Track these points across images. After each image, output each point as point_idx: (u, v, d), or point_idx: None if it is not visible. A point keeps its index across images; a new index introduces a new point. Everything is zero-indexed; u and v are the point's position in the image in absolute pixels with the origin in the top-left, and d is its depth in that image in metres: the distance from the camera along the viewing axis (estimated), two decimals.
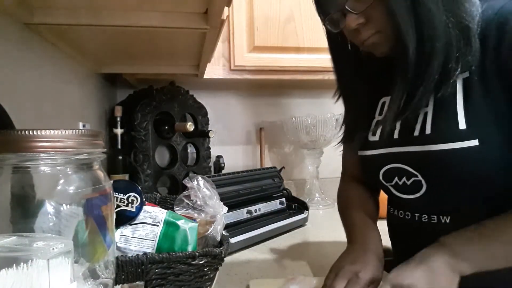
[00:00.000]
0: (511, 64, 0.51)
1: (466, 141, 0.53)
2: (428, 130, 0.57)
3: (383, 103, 0.68)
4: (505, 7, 0.53)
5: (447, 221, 0.60)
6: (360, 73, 0.69)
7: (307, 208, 1.14)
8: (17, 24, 0.65)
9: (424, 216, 0.62)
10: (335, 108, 1.59)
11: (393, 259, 0.73)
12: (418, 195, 0.61)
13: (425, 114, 0.58)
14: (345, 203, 0.78)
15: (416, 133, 0.59)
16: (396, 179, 0.63)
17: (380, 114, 0.68)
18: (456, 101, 0.55)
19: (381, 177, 0.66)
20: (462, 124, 0.54)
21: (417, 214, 0.63)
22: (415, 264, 0.53)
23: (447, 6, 0.53)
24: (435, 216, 0.61)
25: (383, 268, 0.61)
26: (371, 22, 0.57)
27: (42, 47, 0.76)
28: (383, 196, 0.76)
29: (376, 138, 0.67)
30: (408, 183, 0.61)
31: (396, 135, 0.63)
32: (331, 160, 1.61)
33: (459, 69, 0.54)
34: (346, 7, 0.56)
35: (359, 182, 0.79)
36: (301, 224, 1.12)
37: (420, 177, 0.59)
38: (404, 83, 0.57)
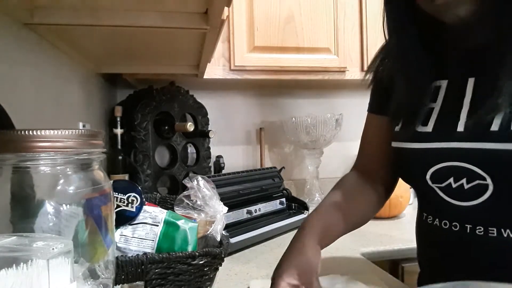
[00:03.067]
0: None
1: None
2: None
3: (437, 88, 0.57)
4: None
5: (510, 235, 0.50)
6: (413, 45, 0.57)
7: (307, 208, 1.14)
8: (17, 24, 0.65)
9: (479, 228, 0.52)
10: (335, 108, 1.60)
11: (421, 272, 0.66)
12: (476, 202, 0.51)
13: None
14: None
15: (495, 127, 0.48)
16: (450, 180, 0.53)
17: (433, 100, 0.56)
18: None
19: (428, 177, 0.55)
20: None
21: (468, 225, 0.53)
22: None
23: None
24: (495, 229, 0.51)
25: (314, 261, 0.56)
26: None
27: (42, 47, 0.76)
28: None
29: (429, 129, 0.55)
30: (467, 186, 0.51)
31: (460, 128, 0.51)
32: (331, 160, 1.62)
33: None
34: None
35: (369, 178, 0.69)
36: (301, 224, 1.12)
37: (488, 181, 0.49)
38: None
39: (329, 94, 1.64)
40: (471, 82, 0.52)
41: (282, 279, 0.54)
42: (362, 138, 0.74)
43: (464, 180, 0.51)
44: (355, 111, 1.65)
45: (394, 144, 0.61)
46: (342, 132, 1.43)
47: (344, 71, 1.31)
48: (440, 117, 0.55)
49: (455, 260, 0.55)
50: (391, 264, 0.95)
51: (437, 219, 0.57)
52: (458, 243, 0.54)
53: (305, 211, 1.13)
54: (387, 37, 0.61)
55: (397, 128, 0.61)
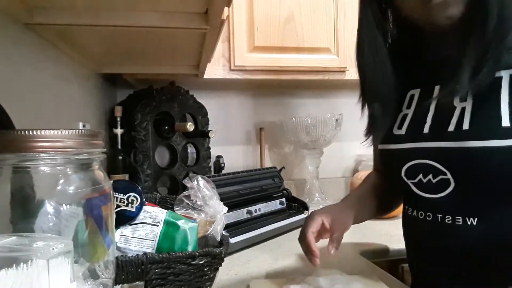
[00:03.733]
0: None
1: (509, 139, 0.50)
2: (465, 126, 0.54)
3: (412, 96, 0.65)
4: None
5: (474, 223, 0.56)
6: (386, 60, 0.65)
7: (307, 208, 1.14)
8: (17, 24, 0.65)
9: (448, 217, 0.59)
10: (335, 108, 1.60)
11: (409, 262, 0.73)
12: (442, 194, 0.58)
13: (463, 109, 0.55)
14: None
15: (451, 128, 0.56)
16: (420, 176, 0.60)
17: (408, 107, 0.65)
18: (500, 97, 0.52)
19: (403, 173, 0.63)
20: (505, 121, 0.51)
21: (439, 215, 0.60)
22: None
23: None
24: (460, 218, 0.57)
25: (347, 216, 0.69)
26: None
27: (42, 47, 0.76)
28: None
29: (402, 131, 0.64)
30: (434, 181, 0.59)
31: (426, 130, 0.60)
32: (331, 160, 1.62)
33: None
34: None
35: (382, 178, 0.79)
36: (301, 224, 1.11)
37: (449, 175, 0.57)
38: (479, 45, 0.53)
39: (329, 94, 1.63)
40: (436, 89, 0.60)
41: (319, 214, 0.66)
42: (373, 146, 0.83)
43: (430, 176, 0.59)
44: (355, 111, 1.63)
45: (379, 146, 0.70)
46: (342, 132, 1.43)
47: (344, 71, 1.31)
48: (412, 121, 0.63)
49: (433, 249, 0.62)
50: (391, 264, 0.95)
51: (415, 211, 0.65)
52: (433, 232, 0.61)
53: (305, 211, 1.13)
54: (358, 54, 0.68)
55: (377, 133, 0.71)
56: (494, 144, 0.51)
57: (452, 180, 0.57)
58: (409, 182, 0.63)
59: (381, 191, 0.78)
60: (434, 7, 0.54)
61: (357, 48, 0.68)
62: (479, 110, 0.54)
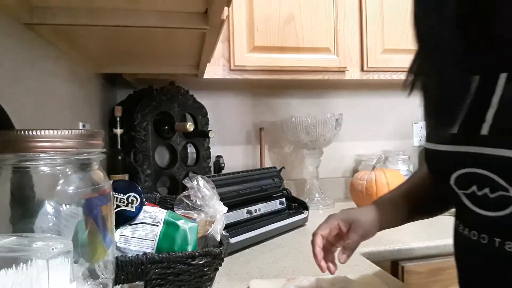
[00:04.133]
0: None
1: None
2: None
3: (468, 84, 0.49)
4: None
5: None
6: (453, 19, 0.47)
7: (307, 208, 1.14)
8: (17, 24, 0.65)
9: (509, 244, 0.44)
10: (335, 108, 1.60)
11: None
12: (502, 213, 0.44)
13: None
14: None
15: None
16: (474, 188, 0.47)
17: (475, 97, 0.48)
18: None
19: (452, 181, 0.50)
20: None
21: (497, 239, 0.45)
22: None
23: None
24: None
25: (370, 220, 0.62)
26: None
27: (42, 47, 0.76)
28: None
29: (454, 130, 0.49)
30: (492, 196, 0.45)
31: (485, 131, 0.45)
32: (331, 160, 1.62)
33: None
34: None
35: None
36: (301, 224, 1.12)
37: (511, 192, 0.43)
38: None
39: (329, 94, 1.63)
40: (503, 77, 0.45)
41: (336, 217, 0.62)
42: None
43: (487, 190, 0.45)
44: (355, 111, 1.65)
45: (424, 145, 0.56)
46: (342, 132, 1.43)
47: (344, 71, 1.31)
48: (467, 117, 0.48)
49: (490, 282, 0.48)
50: (391, 264, 0.95)
51: (466, 229, 0.51)
52: (489, 261, 0.47)
53: (305, 211, 1.13)
54: (414, 25, 0.51)
55: (427, 129, 0.57)
56: None
57: None
58: (460, 192, 0.49)
59: (428, 189, 0.65)
60: None
61: None
62: None
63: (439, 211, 0.68)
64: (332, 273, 0.60)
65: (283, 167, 1.36)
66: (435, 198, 0.65)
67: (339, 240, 0.62)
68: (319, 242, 0.60)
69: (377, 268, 0.80)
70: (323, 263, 0.59)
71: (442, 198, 0.63)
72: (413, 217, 0.67)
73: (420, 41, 0.51)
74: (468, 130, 0.47)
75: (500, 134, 0.44)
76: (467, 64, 0.49)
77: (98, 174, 0.43)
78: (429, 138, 0.54)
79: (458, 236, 0.54)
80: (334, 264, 0.61)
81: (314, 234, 0.62)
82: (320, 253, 0.59)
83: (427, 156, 0.55)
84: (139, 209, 0.59)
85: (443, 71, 0.49)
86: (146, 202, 0.62)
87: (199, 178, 0.68)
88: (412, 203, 0.65)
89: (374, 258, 0.89)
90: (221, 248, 0.59)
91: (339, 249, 0.62)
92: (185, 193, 0.68)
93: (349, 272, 0.72)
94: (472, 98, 0.48)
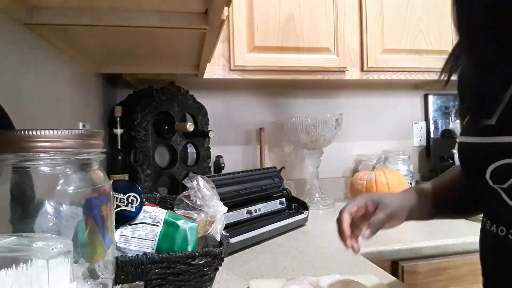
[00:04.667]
0: None
1: None
2: None
3: (510, 75, 0.47)
4: None
5: None
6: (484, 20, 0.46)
7: (307, 208, 1.14)
8: (17, 24, 0.65)
9: None
10: (335, 108, 1.60)
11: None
12: None
13: None
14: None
15: None
16: (511, 181, 0.45)
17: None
18: None
19: (488, 175, 0.47)
20: None
21: None
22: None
23: None
24: None
25: (398, 203, 0.62)
26: None
27: (42, 47, 0.76)
28: None
29: (492, 121, 0.47)
30: None
31: None
32: (331, 160, 1.62)
33: None
34: None
35: None
36: (301, 224, 1.12)
37: None
38: None
39: (329, 94, 1.63)
40: None
41: (364, 197, 0.62)
42: None
43: None
44: (355, 111, 1.65)
45: (458, 139, 0.54)
46: (342, 132, 1.43)
47: (344, 71, 1.31)
48: (506, 108, 0.45)
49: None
50: (391, 264, 0.95)
51: (494, 225, 0.49)
52: None
53: (305, 211, 1.13)
54: (456, 15, 0.49)
55: (463, 123, 0.55)
56: None
57: None
58: (496, 187, 0.47)
59: (458, 188, 0.63)
60: None
61: None
62: None
63: (467, 213, 0.68)
64: (355, 252, 0.60)
65: (283, 167, 1.36)
66: (464, 198, 0.63)
67: (363, 221, 0.62)
68: (347, 219, 0.60)
69: (377, 268, 0.80)
70: (349, 241, 0.60)
71: (470, 199, 0.62)
72: (437, 214, 0.66)
73: (460, 31, 0.50)
74: (507, 121, 0.45)
75: None
76: (506, 56, 0.47)
77: (98, 174, 0.43)
78: (465, 131, 0.52)
79: (484, 233, 0.53)
80: (357, 244, 0.61)
81: (341, 212, 0.61)
82: (348, 230, 0.59)
83: (462, 150, 0.53)
84: (139, 209, 0.59)
85: (482, 62, 0.48)
86: (146, 202, 0.62)
87: (199, 178, 0.68)
88: (440, 199, 0.64)
89: (374, 258, 0.89)
90: (221, 248, 0.59)
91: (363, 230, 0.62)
92: (185, 193, 0.68)
93: (349, 272, 0.72)
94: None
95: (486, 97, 0.49)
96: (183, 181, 0.69)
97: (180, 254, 0.55)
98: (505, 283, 0.48)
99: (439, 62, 0.60)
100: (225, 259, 0.61)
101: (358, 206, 0.61)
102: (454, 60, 0.56)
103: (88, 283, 0.39)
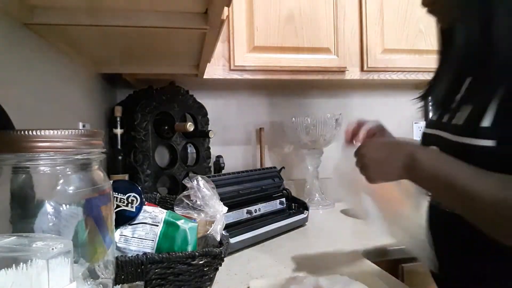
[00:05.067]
0: None
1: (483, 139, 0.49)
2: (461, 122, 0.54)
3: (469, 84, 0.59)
4: None
5: None
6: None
7: (307, 208, 1.14)
8: (17, 24, 0.65)
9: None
10: (335, 108, 1.59)
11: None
12: None
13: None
14: None
15: (460, 121, 0.55)
16: None
17: (465, 94, 0.59)
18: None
19: None
20: (486, 122, 0.49)
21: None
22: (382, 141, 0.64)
23: None
24: None
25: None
26: None
27: (42, 47, 0.76)
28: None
29: (435, 117, 0.66)
30: None
31: (445, 119, 0.60)
32: (331, 160, 1.61)
33: None
34: None
35: None
36: (301, 224, 1.12)
37: None
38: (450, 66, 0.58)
39: (329, 94, 1.63)
40: (466, 82, 0.59)
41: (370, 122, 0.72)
42: None
43: None
44: (355, 111, 1.65)
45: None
46: (342, 132, 1.42)
47: (344, 71, 1.31)
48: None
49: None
50: (391, 264, 0.95)
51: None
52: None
53: (305, 211, 1.13)
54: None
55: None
56: (469, 142, 0.52)
57: None
58: None
59: None
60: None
61: None
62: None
63: None
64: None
65: (283, 167, 1.36)
66: None
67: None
68: (354, 126, 0.70)
69: (377, 268, 0.80)
70: (350, 134, 0.71)
71: None
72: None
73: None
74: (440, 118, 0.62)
75: (448, 121, 0.59)
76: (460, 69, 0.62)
77: (98, 174, 0.43)
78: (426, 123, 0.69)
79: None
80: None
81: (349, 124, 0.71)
82: (352, 127, 0.70)
83: (422, 137, 0.71)
84: (139, 209, 0.59)
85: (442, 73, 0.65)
86: (146, 202, 0.62)
87: (199, 178, 0.68)
88: None
89: (374, 258, 0.89)
90: (221, 248, 0.59)
91: None
92: (185, 193, 0.68)
93: (349, 272, 0.72)
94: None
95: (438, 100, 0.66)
96: (183, 181, 0.69)
97: (180, 254, 0.55)
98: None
99: None
100: (225, 259, 0.61)
101: (367, 125, 0.71)
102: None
103: (88, 283, 0.39)
